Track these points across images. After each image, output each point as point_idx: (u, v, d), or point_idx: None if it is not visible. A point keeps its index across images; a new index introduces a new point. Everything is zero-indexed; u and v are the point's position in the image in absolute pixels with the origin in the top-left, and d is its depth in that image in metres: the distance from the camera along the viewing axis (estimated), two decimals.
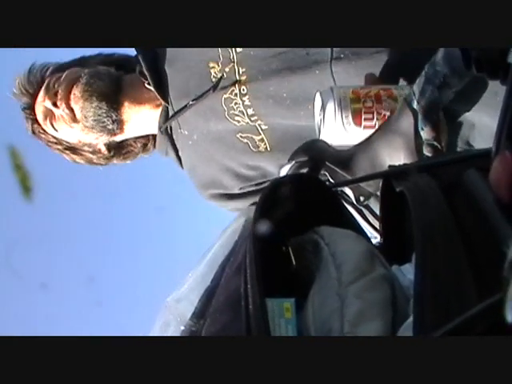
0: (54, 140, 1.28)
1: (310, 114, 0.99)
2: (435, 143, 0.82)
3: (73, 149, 1.29)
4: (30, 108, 1.27)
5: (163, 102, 1.19)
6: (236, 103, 1.10)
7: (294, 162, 0.80)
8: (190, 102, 1.13)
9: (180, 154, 1.23)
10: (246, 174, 1.18)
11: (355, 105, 0.94)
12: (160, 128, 1.21)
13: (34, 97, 1.26)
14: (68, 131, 1.24)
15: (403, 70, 1.01)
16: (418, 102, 0.84)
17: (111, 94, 1.19)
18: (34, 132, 1.29)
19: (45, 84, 1.23)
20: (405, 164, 0.69)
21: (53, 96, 1.21)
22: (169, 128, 1.22)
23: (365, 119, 0.94)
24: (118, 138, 1.25)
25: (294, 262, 0.58)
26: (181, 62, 1.14)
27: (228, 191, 1.21)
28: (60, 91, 1.20)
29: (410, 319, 0.45)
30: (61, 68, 1.26)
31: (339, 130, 0.94)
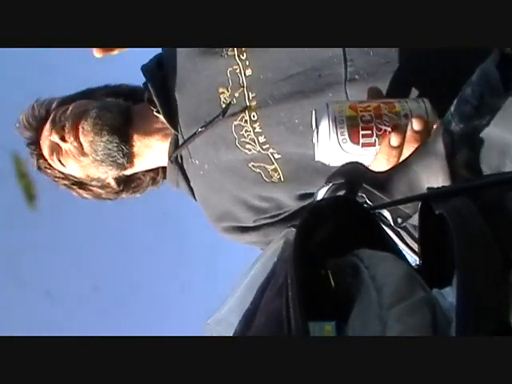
0: (61, 175, 1.25)
1: None
2: (473, 166, 0.81)
3: (80, 183, 1.26)
4: (35, 143, 1.25)
5: (173, 131, 1.15)
6: (247, 130, 1.06)
7: (331, 184, 0.80)
8: (199, 130, 1.10)
9: (192, 184, 1.20)
10: (260, 206, 1.13)
11: (352, 121, 0.87)
12: (170, 157, 1.18)
13: (38, 131, 1.23)
14: (76, 166, 1.21)
15: (421, 89, 0.96)
16: (454, 123, 0.84)
17: (121, 126, 1.16)
18: (39, 168, 1.26)
19: (51, 118, 1.21)
20: (443, 186, 0.69)
21: (60, 130, 1.18)
22: (179, 157, 1.18)
23: (363, 136, 0.87)
24: (128, 172, 1.22)
25: (333, 285, 0.58)
26: (190, 87, 1.11)
27: (242, 224, 1.17)
28: (67, 125, 1.17)
29: None
30: (66, 101, 1.23)
31: (335, 149, 0.88)
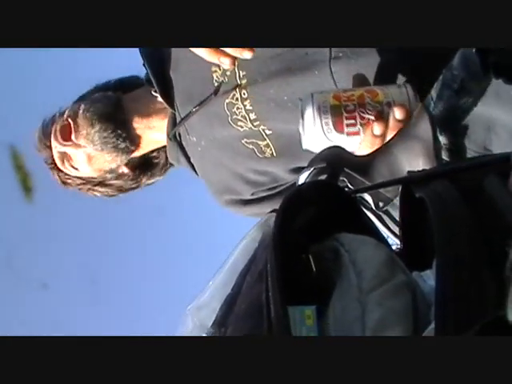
0: (81, 181, 1.27)
1: None
2: (454, 148, 0.82)
3: (100, 183, 1.28)
4: (50, 159, 1.28)
5: (170, 109, 1.18)
6: (238, 108, 1.09)
7: (312, 168, 0.80)
8: (194, 109, 1.13)
9: (192, 160, 1.23)
10: (256, 180, 1.17)
11: (335, 110, 0.89)
12: (169, 135, 1.21)
13: (50, 147, 1.26)
14: (86, 165, 1.23)
15: (404, 68, 0.98)
16: (435, 107, 0.84)
17: (112, 112, 1.19)
18: (63, 182, 1.29)
19: (52, 130, 1.24)
20: (424, 170, 0.69)
21: (60, 138, 1.21)
22: (177, 135, 1.21)
23: (347, 125, 0.88)
24: (137, 155, 1.25)
25: (314, 269, 0.58)
26: (184, 66, 1.14)
27: (241, 197, 1.20)
28: (63, 129, 1.20)
29: (432, 326, 0.45)
30: (63, 111, 1.26)
31: (320, 138, 0.90)
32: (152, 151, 1.27)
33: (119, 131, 1.19)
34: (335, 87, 1.00)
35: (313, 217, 0.60)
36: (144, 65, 1.20)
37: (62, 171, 1.27)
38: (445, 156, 0.84)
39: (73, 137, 1.19)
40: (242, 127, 1.10)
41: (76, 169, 1.25)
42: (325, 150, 0.88)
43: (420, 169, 0.74)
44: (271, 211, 1.05)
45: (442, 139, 0.84)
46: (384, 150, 0.84)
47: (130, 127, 1.20)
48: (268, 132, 1.09)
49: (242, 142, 1.12)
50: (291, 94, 1.03)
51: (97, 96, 1.23)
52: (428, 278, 0.54)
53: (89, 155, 1.21)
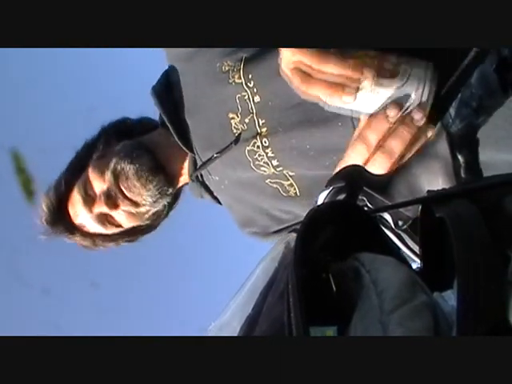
0: (122, 236, 1.26)
1: (335, 164, 0.93)
2: (473, 166, 0.82)
3: (136, 229, 1.27)
4: (73, 229, 1.24)
5: (190, 153, 1.17)
6: (260, 155, 1.08)
7: (331, 187, 0.80)
8: (215, 155, 1.12)
9: (215, 195, 1.23)
10: (280, 217, 1.16)
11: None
12: (191, 176, 1.21)
13: (68, 217, 1.23)
14: (133, 218, 1.22)
15: None
16: (454, 125, 0.84)
17: (152, 163, 1.17)
18: (95, 244, 1.27)
19: (77, 198, 1.20)
20: (444, 189, 0.69)
21: (99, 201, 1.18)
22: (199, 175, 1.21)
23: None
24: (173, 191, 1.25)
25: (334, 289, 0.58)
26: (201, 113, 1.12)
27: (266, 230, 1.20)
28: (106, 192, 1.17)
29: None
30: (74, 173, 1.22)
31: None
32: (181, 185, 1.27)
33: (162, 178, 1.18)
34: None
35: (332, 236, 0.60)
36: (157, 107, 1.18)
37: (93, 235, 1.24)
38: (464, 174, 0.84)
39: (130, 195, 1.17)
40: (265, 171, 1.09)
41: (121, 226, 1.23)
42: (344, 168, 0.88)
43: (440, 187, 0.73)
44: (291, 231, 1.06)
45: (461, 157, 0.84)
46: (403, 168, 0.84)
47: (165, 171, 1.19)
48: (291, 173, 1.08)
49: (266, 181, 1.11)
50: (313, 143, 1.02)
51: (128, 150, 1.19)
52: (449, 298, 0.54)
53: (134, 210, 1.20)
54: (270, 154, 1.06)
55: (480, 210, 0.54)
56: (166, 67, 1.21)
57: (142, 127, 1.25)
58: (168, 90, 1.18)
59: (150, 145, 1.20)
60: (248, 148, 1.08)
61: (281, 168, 1.07)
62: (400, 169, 0.85)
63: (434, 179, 0.81)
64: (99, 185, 1.18)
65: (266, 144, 1.05)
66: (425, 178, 0.81)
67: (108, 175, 1.17)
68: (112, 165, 1.16)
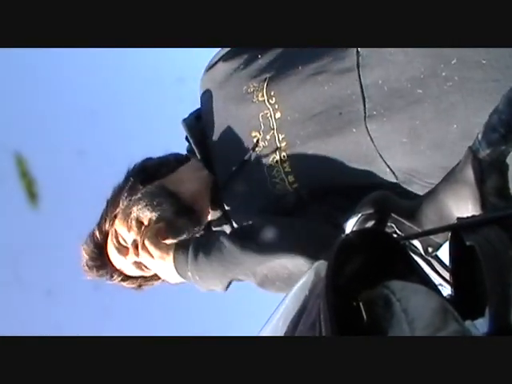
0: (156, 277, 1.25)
1: (352, 173, 0.97)
2: (503, 192, 0.81)
3: None
4: (114, 272, 1.25)
5: (211, 175, 1.19)
6: (277, 171, 1.11)
7: (360, 214, 0.80)
8: (233, 169, 1.14)
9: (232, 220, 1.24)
10: None
11: None
12: (212, 200, 1.21)
13: (109, 263, 1.24)
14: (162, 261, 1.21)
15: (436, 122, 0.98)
16: (482, 151, 0.84)
17: (174, 208, 1.17)
18: (140, 286, 1.27)
19: (112, 247, 1.21)
20: (473, 215, 0.69)
21: (136, 251, 1.18)
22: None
23: None
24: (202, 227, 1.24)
25: (365, 317, 0.58)
26: (226, 133, 1.16)
27: None
28: (138, 243, 1.17)
29: None
30: (106, 223, 1.23)
31: None
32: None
33: (190, 221, 1.18)
34: (372, 145, 1.02)
35: (362, 264, 0.60)
36: (190, 147, 1.22)
37: (132, 277, 1.25)
38: (494, 200, 0.83)
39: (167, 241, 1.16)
40: (279, 190, 1.12)
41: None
42: (372, 194, 0.88)
43: (469, 214, 0.73)
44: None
45: (490, 183, 0.83)
46: (431, 195, 0.84)
47: (194, 210, 1.19)
48: (303, 192, 1.12)
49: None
50: (329, 153, 1.06)
51: (148, 196, 1.19)
52: (481, 327, 0.53)
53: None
54: (286, 169, 1.10)
55: (511, 238, 0.54)
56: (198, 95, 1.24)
57: (166, 167, 1.24)
58: (198, 119, 1.22)
59: (173, 186, 1.21)
60: (267, 163, 1.11)
61: (296, 185, 1.10)
62: (428, 195, 0.85)
63: (463, 205, 0.80)
64: (127, 235, 1.19)
65: (285, 158, 1.09)
66: (454, 204, 0.81)
67: (133, 224, 1.18)
68: (135, 214, 1.17)
